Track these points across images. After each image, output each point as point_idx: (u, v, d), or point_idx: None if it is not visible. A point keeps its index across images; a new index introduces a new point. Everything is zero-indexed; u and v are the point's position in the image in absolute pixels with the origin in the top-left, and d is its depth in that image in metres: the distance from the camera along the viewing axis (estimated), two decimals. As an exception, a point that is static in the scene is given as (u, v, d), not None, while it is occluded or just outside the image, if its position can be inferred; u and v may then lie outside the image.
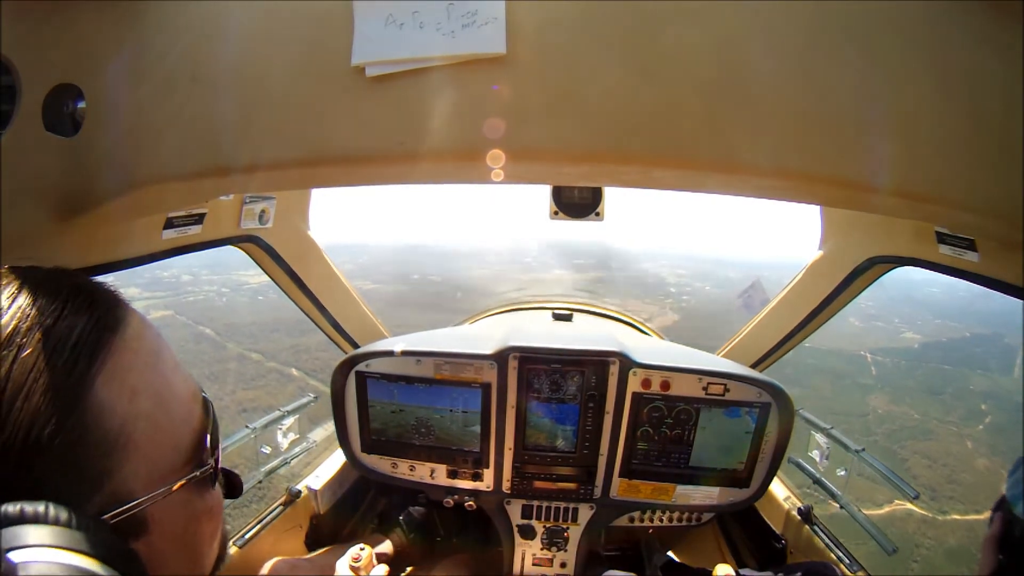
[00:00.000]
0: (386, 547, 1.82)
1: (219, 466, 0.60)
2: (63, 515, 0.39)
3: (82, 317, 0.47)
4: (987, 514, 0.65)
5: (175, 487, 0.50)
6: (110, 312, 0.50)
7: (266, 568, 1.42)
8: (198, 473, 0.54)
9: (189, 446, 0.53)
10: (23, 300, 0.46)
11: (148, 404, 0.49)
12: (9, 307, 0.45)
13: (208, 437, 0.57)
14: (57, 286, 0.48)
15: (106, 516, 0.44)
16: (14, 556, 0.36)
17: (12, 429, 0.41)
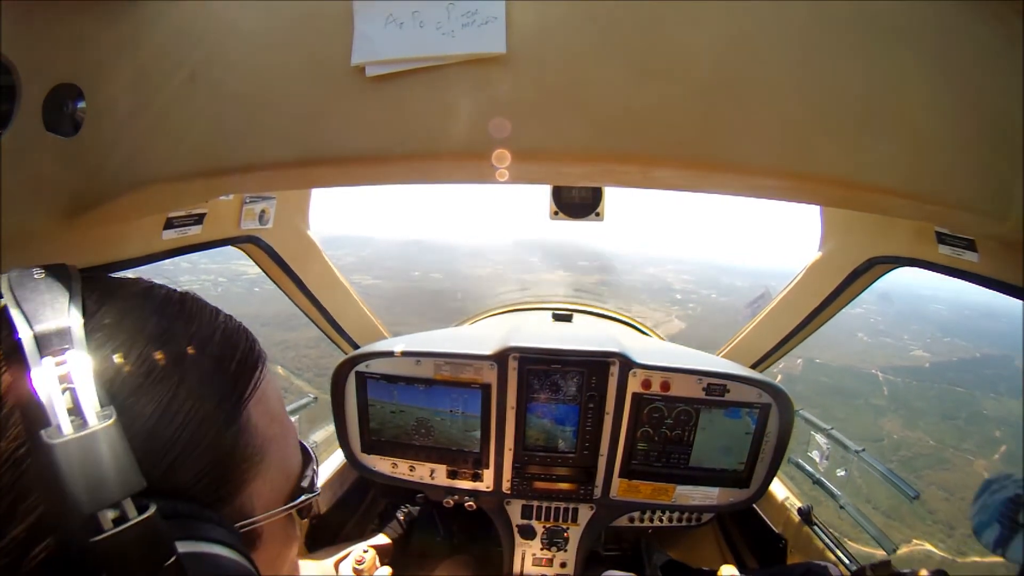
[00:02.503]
0: (386, 544, 1.82)
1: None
2: (215, 518, 0.42)
3: (240, 343, 0.51)
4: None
5: (292, 507, 0.54)
6: (256, 346, 0.55)
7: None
8: (309, 495, 0.57)
9: (297, 476, 0.57)
10: (191, 309, 0.50)
11: (279, 431, 0.53)
12: (179, 315, 0.48)
13: (313, 472, 0.61)
14: (211, 313, 0.52)
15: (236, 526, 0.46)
16: (182, 546, 0.37)
17: (179, 427, 0.41)
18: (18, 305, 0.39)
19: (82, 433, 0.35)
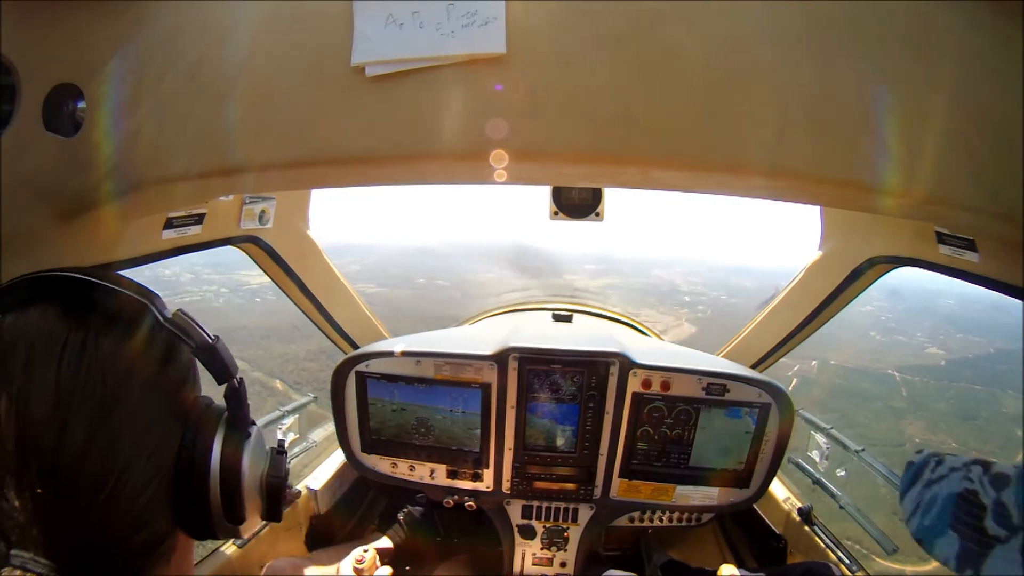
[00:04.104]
0: (387, 547, 1.82)
1: None
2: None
3: None
4: None
5: None
6: None
7: (269, 567, 1.43)
8: None
9: None
10: None
11: None
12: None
13: None
14: None
15: None
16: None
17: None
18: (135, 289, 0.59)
19: (217, 343, 0.63)
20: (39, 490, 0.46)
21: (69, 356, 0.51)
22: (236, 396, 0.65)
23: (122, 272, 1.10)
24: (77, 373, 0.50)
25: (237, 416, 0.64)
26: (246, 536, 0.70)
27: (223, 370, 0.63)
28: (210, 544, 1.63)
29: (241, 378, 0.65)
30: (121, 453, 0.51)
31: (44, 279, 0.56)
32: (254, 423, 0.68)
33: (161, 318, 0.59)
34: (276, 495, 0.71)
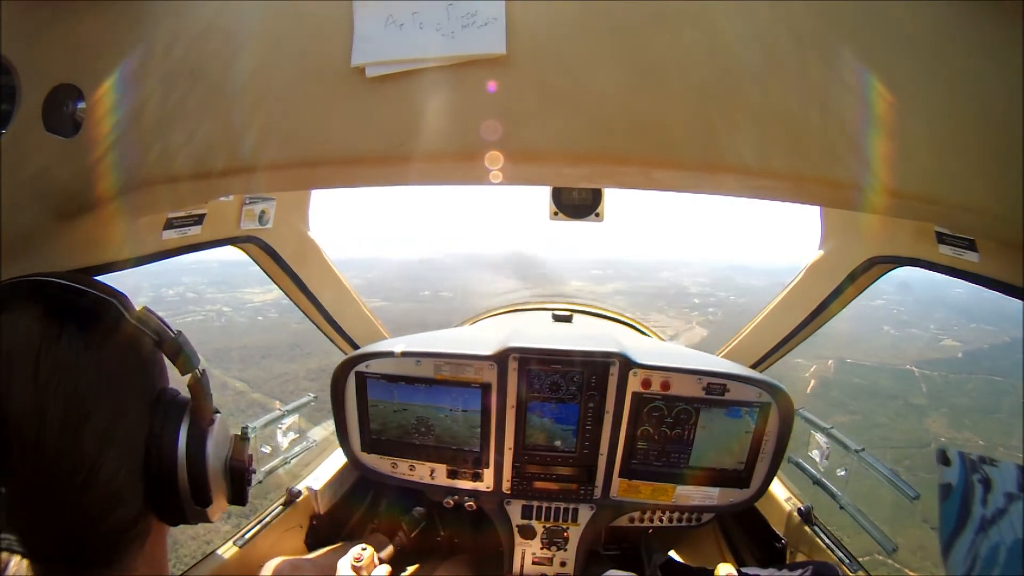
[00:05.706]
0: (387, 547, 1.82)
1: None
2: None
3: None
4: None
5: None
6: None
7: (268, 568, 1.43)
8: None
9: None
10: None
11: None
12: None
13: None
14: None
15: None
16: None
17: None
18: (110, 296, 0.63)
19: (179, 337, 0.67)
20: (19, 472, 0.52)
21: (46, 352, 0.55)
22: (199, 386, 0.68)
23: (123, 272, 1.10)
24: (54, 367, 0.55)
25: (200, 405, 0.68)
26: (215, 519, 0.72)
27: (186, 362, 0.67)
28: (209, 545, 1.63)
29: (203, 369, 0.69)
30: (96, 440, 0.56)
31: (23, 283, 0.61)
32: (218, 412, 0.72)
33: (128, 316, 0.63)
34: (240, 478, 0.76)
